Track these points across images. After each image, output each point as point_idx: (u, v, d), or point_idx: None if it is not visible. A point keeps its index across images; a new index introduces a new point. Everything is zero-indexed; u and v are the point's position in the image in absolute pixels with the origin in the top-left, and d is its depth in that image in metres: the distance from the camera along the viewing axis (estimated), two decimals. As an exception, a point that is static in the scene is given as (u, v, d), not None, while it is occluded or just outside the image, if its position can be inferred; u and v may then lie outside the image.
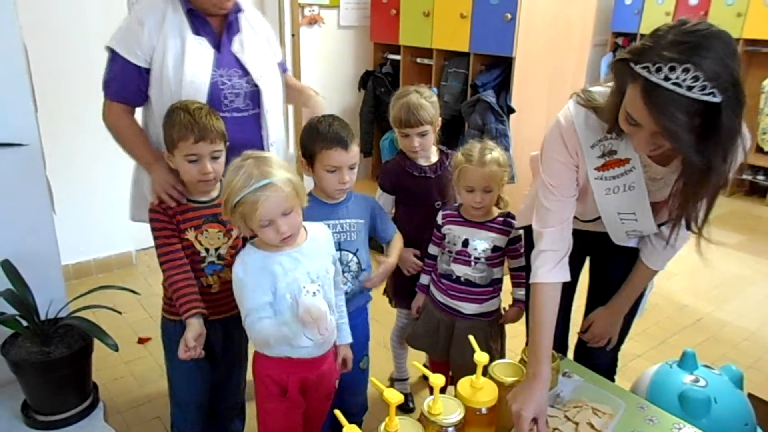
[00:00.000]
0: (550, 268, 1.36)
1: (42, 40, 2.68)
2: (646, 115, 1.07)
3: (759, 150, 4.79)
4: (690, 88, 1.00)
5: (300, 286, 1.37)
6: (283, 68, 2.00)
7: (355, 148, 1.61)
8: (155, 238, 1.58)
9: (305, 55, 3.99)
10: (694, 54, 1.01)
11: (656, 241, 1.45)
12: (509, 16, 3.24)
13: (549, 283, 1.36)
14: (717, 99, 1.01)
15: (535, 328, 1.35)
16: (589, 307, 1.70)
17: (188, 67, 1.65)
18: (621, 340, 1.69)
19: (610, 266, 1.64)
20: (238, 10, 1.76)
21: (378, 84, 4.23)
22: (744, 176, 4.88)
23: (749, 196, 4.94)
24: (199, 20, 1.70)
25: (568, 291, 1.70)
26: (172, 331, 1.65)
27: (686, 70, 1.00)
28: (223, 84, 1.71)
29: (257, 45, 1.82)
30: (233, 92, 1.72)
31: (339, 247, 1.65)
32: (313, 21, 3.99)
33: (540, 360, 1.29)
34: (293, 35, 3.87)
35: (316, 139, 1.59)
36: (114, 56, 1.69)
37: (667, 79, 1.02)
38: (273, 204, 1.29)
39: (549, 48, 3.41)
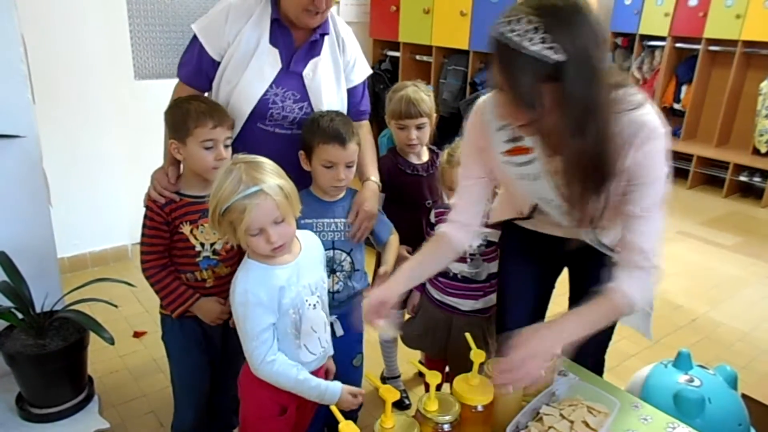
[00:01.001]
0: (452, 226, 1.40)
1: (40, 32, 2.67)
2: (496, 70, 1.07)
3: (756, 151, 4.81)
4: (531, 40, 1.00)
5: (303, 300, 1.35)
6: (358, 109, 1.84)
7: (353, 146, 1.60)
8: (143, 234, 1.58)
9: (304, 51, 3.97)
10: (543, 11, 1.01)
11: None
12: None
13: (447, 233, 1.40)
14: (559, 57, 0.99)
15: (414, 257, 1.42)
16: None
17: (246, 75, 1.63)
18: (605, 341, 1.65)
19: (587, 274, 1.58)
20: (324, 32, 1.69)
21: (377, 81, 4.23)
22: (741, 177, 4.89)
23: (745, 197, 4.96)
24: (281, 31, 1.65)
25: (542, 297, 1.69)
26: (174, 329, 1.65)
27: (529, 22, 1.00)
28: (274, 104, 1.66)
29: (330, 75, 1.74)
30: (282, 114, 1.68)
31: (332, 246, 1.65)
32: (313, 16, 3.98)
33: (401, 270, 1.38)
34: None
35: (315, 132, 1.59)
36: (194, 40, 1.67)
37: (512, 31, 1.02)
38: (262, 212, 1.22)
39: (548, 47, 3.41)
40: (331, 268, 1.66)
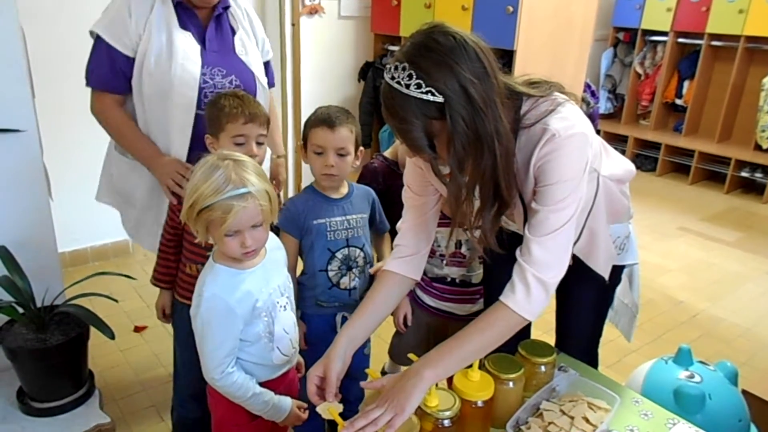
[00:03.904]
0: (396, 258, 1.36)
1: (40, 25, 2.66)
2: (387, 116, 1.07)
3: (757, 147, 4.79)
4: (408, 86, 1.01)
5: (274, 302, 1.33)
6: (270, 81, 1.94)
7: (343, 131, 1.56)
8: (163, 235, 1.65)
9: (305, 45, 3.97)
10: (414, 53, 1.02)
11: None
12: (511, 9, 3.23)
13: (392, 271, 1.35)
14: (438, 98, 1.00)
15: (358, 309, 1.34)
16: (559, 320, 1.66)
17: (177, 63, 1.63)
18: (596, 336, 1.64)
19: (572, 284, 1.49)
20: (225, 6, 1.74)
21: (378, 75, 4.21)
22: (742, 173, 4.88)
23: (747, 193, 4.94)
24: (187, 14, 1.68)
25: None
26: (183, 314, 1.65)
27: (404, 69, 1.01)
28: (205, 83, 1.68)
29: (253, 48, 1.83)
30: (215, 92, 1.69)
31: (347, 244, 1.64)
32: (314, 11, 3.97)
33: (339, 336, 1.27)
34: (293, 25, 3.85)
35: (309, 120, 1.60)
36: (99, 43, 1.65)
37: (392, 78, 1.03)
38: (247, 215, 1.17)
39: (550, 42, 3.40)
40: (348, 266, 1.65)
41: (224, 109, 1.52)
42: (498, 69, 1.09)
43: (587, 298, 1.55)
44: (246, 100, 1.55)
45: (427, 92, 1.00)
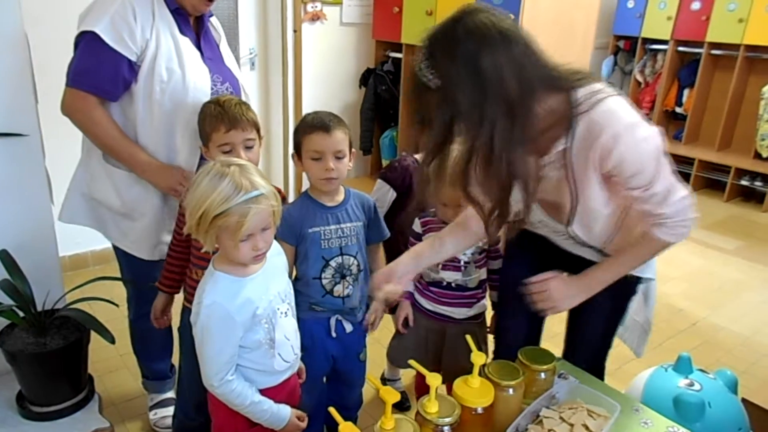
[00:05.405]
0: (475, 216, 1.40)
1: (43, 31, 2.67)
2: (415, 103, 1.15)
3: (757, 156, 4.80)
4: (420, 69, 1.06)
5: (275, 309, 1.32)
6: None
7: (339, 134, 1.55)
8: (171, 241, 1.66)
9: (306, 52, 3.98)
10: (433, 33, 1.09)
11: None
12: (512, 16, 3.23)
13: (472, 218, 1.43)
14: (438, 82, 1.05)
15: (426, 241, 1.48)
16: (570, 328, 1.66)
17: (191, 70, 1.62)
18: (605, 348, 1.63)
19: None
20: (210, 14, 1.76)
21: (379, 82, 4.23)
22: (742, 182, 4.89)
23: (747, 202, 4.95)
24: (182, 20, 1.66)
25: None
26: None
27: (423, 53, 1.08)
28: (211, 90, 1.67)
29: (231, 55, 1.87)
30: None
31: (341, 252, 1.64)
32: (315, 17, 3.99)
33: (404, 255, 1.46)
34: (295, 31, 3.87)
35: (300, 127, 1.60)
36: (95, 44, 1.54)
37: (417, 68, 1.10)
38: (260, 217, 1.18)
39: (551, 50, 3.39)
40: (341, 274, 1.65)
41: (206, 119, 1.52)
42: (532, 54, 1.20)
43: (601, 307, 1.54)
44: (227, 106, 1.51)
45: (429, 74, 1.06)
